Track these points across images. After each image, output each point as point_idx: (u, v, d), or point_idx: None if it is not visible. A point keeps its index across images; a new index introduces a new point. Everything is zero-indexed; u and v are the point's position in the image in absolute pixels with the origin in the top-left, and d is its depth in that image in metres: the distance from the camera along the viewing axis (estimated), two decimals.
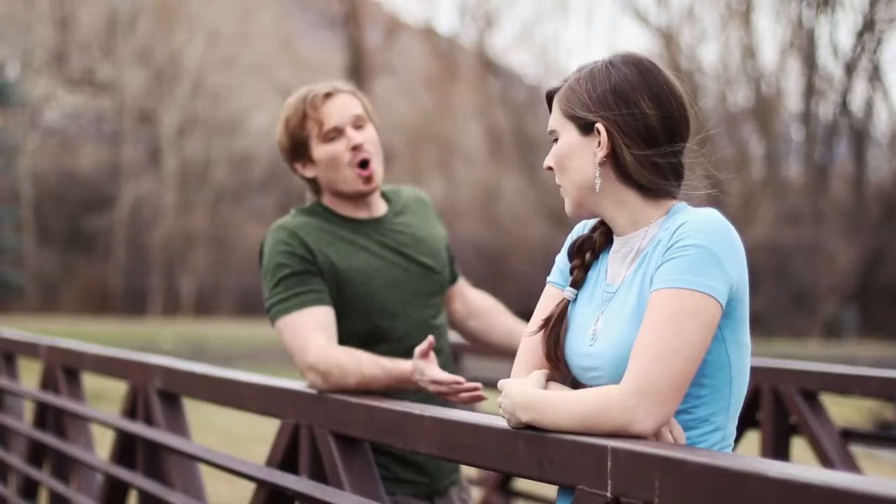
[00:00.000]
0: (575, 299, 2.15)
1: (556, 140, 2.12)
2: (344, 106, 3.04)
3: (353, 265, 3.00)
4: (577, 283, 2.15)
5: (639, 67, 2.07)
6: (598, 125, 2.04)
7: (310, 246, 2.96)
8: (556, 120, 2.11)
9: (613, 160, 2.05)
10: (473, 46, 42.86)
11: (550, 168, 2.12)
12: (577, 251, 2.17)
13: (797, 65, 36.23)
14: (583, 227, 2.22)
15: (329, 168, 3.03)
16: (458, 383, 2.66)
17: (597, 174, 2.05)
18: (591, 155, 2.06)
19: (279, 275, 2.93)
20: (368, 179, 3.03)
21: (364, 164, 3.03)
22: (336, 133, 3.02)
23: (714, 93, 37.32)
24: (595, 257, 2.16)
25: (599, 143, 2.05)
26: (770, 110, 35.83)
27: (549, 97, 2.15)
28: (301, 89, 3.09)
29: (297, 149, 3.05)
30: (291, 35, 43.57)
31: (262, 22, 41.36)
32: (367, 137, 3.04)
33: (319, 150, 3.03)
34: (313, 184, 3.11)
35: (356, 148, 3.02)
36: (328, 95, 3.03)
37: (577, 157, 2.07)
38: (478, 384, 2.68)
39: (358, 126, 3.04)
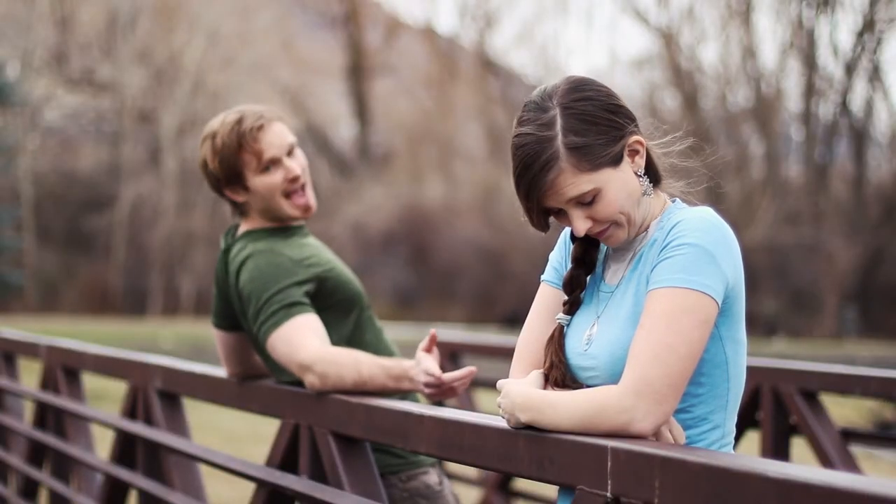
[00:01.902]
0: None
1: (591, 200, 1.98)
2: (280, 135, 3.06)
3: (327, 259, 3.06)
4: (572, 312, 2.13)
5: (594, 85, 2.04)
6: (632, 139, 2.02)
7: (293, 258, 2.98)
8: (589, 180, 1.97)
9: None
10: (473, 46, 42.92)
11: (592, 227, 2.01)
12: (571, 289, 2.13)
13: (797, 65, 36.28)
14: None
15: (265, 196, 3.06)
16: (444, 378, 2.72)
17: (644, 182, 2.05)
18: (630, 173, 2.03)
19: (266, 294, 2.92)
20: (307, 209, 3.10)
21: (301, 190, 3.08)
22: (273, 163, 3.04)
23: (714, 93, 37.35)
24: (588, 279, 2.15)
25: (633, 154, 2.03)
26: (770, 110, 35.85)
27: (541, 197, 2.00)
28: (227, 115, 3.07)
29: (230, 178, 3.06)
30: (291, 35, 43.60)
31: (262, 22, 41.38)
32: (302, 165, 3.09)
33: (256, 181, 3.04)
34: (241, 206, 3.13)
35: (294, 179, 3.06)
36: (262, 126, 3.03)
37: (628, 187, 2.02)
38: (472, 368, 2.72)
39: (290, 153, 3.08)
